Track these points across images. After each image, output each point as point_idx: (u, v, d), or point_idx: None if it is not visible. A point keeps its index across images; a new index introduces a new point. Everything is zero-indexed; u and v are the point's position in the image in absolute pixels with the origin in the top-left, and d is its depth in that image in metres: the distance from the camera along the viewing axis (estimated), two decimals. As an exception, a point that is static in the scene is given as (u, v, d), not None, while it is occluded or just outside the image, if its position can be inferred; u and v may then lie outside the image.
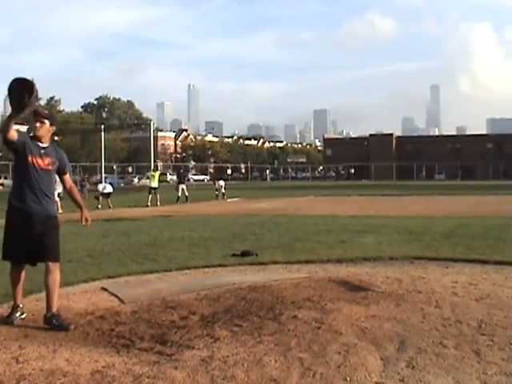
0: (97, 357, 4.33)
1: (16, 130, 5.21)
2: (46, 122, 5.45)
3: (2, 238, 5.35)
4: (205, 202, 30.97)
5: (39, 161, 5.33)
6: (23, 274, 5.51)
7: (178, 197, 31.07)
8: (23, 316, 5.49)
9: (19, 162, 5.35)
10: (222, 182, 34.99)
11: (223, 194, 34.08)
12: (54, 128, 5.54)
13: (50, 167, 5.44)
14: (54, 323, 5.21)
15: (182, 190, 31.70)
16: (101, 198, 27.57)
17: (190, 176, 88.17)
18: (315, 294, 5.86)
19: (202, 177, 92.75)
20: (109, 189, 28.28)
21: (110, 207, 26.48)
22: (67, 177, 5.77)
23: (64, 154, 5.73)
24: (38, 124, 5.41)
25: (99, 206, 26.55)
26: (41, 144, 5.40)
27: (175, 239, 12.42)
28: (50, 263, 5.31)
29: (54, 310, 5.32)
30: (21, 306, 5.51)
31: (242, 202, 30.86)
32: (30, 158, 5.28)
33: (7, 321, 5.37)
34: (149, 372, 3.96)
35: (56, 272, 5.34)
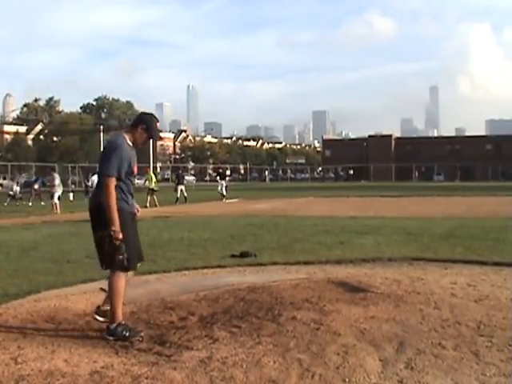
0: (95, 357, 4.32)
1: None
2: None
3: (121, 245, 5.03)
4: (204, 202, 30.97)
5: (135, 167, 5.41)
6: None
7: (177, 198, 31.10)
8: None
9: (128, 172, 5.30)
10: (224, 182, 35.04)
11: (223, 194, 33.99)
12: None
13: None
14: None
15: (181, 190, 31.72)
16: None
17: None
18: (314, 295, 5.86)
19: (191, 178, 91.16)
20: None
21: None
22: None
23: None
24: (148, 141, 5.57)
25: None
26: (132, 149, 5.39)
27: (174, 240, 12.42)
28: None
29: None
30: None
31: (240, 203, 30.85)
32: (135, 168, 5.38)
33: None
34: (147, 373, 3.95)
35: None
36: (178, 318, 5.39)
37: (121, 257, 5.00)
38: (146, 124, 5.30)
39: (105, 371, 4.01)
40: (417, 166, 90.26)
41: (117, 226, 4.95)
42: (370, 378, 3.81)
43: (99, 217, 5.08)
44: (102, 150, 5.54)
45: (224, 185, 34.51)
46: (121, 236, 4.96)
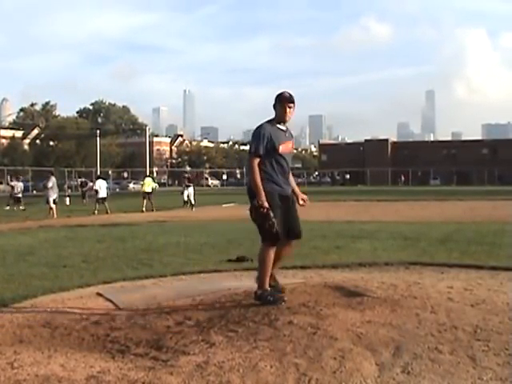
0: (92, 362, 4.32)
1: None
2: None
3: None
4: (200, 207, 30.94)
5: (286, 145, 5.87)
6: None
7: (184, 201, 31.05)
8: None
9: (272, 151, 5.78)
10: (191, 190, 31.48)
11: (191, 202, 30.61)
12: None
13: (292, 149, 6.02)
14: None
15: (188, 195, 31.74)
16: (97, 204, 27.53)
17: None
18: (311, 300, 5.86)
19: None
20: (103, 193, 28.17)
21: (107, 212, 26.44)
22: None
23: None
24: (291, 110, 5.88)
25: (96, 212, 26.53)
26: (284, 128, 5.89)
27: (170, 244, 12.42)
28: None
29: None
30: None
31: (237, 208, 30.83)
32: (282, 147, 5.80)
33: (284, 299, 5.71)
34: (144, 377, 3.95)
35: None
36: (174, 323, 5.38)
37: (270, 222, 5.55)
38: (276, 98, 5.84)
39: (101, 376, 4.00)
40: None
41: (260, 197, 5.58)
42: (367, 382, 3.81)
43: (250, 193, 5.77)
44: None
45: (192, 192, 30.59)
46: (266, 204, 5.56)
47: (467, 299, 5.96)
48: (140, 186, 30.15)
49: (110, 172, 79.90)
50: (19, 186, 34.29)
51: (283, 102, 5.79)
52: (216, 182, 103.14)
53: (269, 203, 5.60)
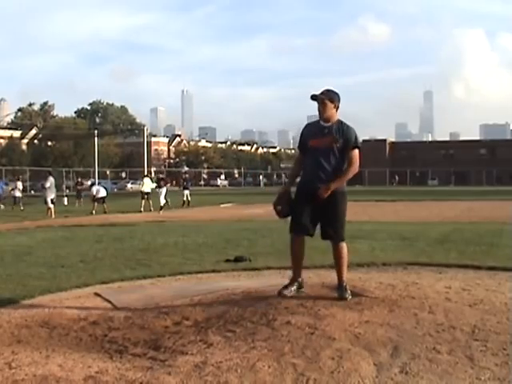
0: (90, 362, 4.31)
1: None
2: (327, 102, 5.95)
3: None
4: (198, 207, 30.95)
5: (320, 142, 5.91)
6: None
7: (184, 201, 31.65)
8: (302, 289, 6.10)
9: (304, 147, 6.12)
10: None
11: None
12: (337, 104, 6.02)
13: (330, 145, 5.88)
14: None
15: (186, 195, 32.32)
16: (95, 203, 27.53)
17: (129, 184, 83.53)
18: (308, 300, 5.85)
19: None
20: (102, 193, 28.19)
21: (105, 212, 26.45)
22: (353, 153, 5.96)
23: (352, 131, 6.01)
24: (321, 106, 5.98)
25: (93, 212, 26.52)
26: (326, 125, 5.95)
27: (168, 245, 12.41)
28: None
29: (343, 281, 6.00)
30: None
31: (235, 208, 30.85)
32: (313, 142, 5.96)
33: (283, 292, 5.98)
34: (142, 378, 3.94)
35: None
36: (172, 323, 5.38)
37: (278, 208, 5.99)
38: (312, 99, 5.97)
39: (99, 376, 3.99)
40: (413, 170, 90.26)
41: (283, 188, 6.14)
42: (365, 382, 3.81)
43: None
44: None
45: (163, 193, 29.34)
46: (281, 190, 6.09)
47: (465, 299, 5.96)
48: (140, 186, 30.11)
49: (107, 172, 79.85)
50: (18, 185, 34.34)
51: (317, 100, 5.97)
52: (225, 182, 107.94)
53: (294, 195, 6.04)
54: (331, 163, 5.86)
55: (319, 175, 5.84)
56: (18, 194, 33.74)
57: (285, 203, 6.01)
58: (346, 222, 6.06)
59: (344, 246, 6.08)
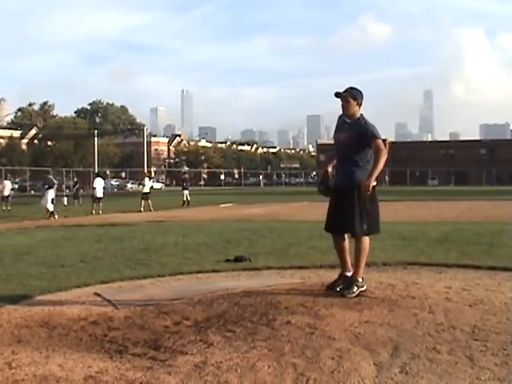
0: (90, 362, 4.31)
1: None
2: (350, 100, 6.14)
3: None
4: (198, 207, 30.95)
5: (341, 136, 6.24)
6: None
7: (184, 201, 31.86)
8: (363, 288, 6.12)
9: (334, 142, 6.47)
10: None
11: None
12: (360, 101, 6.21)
13: (349, 141, 6.11)
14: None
15: (186, 195, 32.46)
16: (94, 204, 27.50)
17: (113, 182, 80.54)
18: (309, 300, 5.86)
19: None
20: (99, 193, 28.08)
21: (99, 212, 26.39)
22: (374, 144, 6.06)
23: (368, 125, 6.16)
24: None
25: (93, 212, 26.51)
26: (349, 120, 6.21)
27: (168, 245, 12.41)
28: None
29: (358, 277, 6.15)
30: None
31: (235, 208, 30.85)
32: (339, 137, 6.28)
33: (332, 287, 6.19)
34: (142, 377, 3.94)
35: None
36: (172, 323, 5.38)
37: (321, 188, 6.47)
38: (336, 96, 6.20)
39: (99, 376, 3.99)
40: (413, 170, 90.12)
41: (323, 169, 6.48)
42: (365, 382, 3.81)
43: None
44: None
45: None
46: (321, 172, 6.51)
47: (465, 299, 5.96)
48: (140, 187, 30.15)
49: (107, 172, 79.79)
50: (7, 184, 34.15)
51: (340, 98, 6.18)
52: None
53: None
54: (352, 158, 6.09)
55: (341, 169, 6.23)
56: (6, 192, 33.21)
57: (325, 185, 6.41)
58: (367, 215, 6.25)
59: (362, 240, 6.30)
